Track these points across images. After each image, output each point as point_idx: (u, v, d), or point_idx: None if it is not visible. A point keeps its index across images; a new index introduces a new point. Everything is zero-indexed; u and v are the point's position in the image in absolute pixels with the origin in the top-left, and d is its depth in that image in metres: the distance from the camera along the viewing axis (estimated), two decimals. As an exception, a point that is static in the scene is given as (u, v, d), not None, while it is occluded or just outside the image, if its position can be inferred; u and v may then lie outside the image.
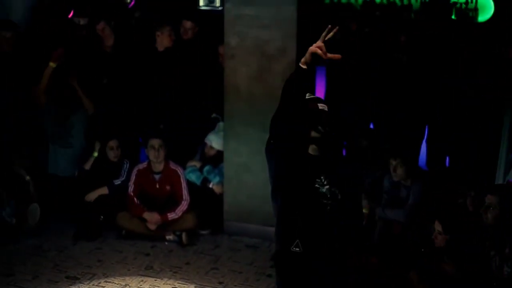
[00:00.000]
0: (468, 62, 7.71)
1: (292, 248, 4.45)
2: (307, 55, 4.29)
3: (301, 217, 4.42)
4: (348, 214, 4.43)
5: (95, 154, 7.97)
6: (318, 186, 4.37)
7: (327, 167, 4.40)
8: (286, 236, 4.48)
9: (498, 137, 6.87)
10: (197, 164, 7.95)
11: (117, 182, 7.90)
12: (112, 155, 7.92)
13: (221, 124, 7.89)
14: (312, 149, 4.38)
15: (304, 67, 4.31)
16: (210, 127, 7.99)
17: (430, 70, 7.85)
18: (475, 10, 11.31)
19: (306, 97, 4.39)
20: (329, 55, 4.26)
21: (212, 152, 7.89)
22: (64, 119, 8.06)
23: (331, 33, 4.26)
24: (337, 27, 4.27)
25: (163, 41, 8.15)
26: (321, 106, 4.36)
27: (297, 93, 4.39)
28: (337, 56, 4.35)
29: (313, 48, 4.25)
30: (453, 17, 10.80)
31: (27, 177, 7.86)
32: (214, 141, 7.87)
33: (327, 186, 4.36)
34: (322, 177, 4.37)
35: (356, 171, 4.65)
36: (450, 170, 8.01)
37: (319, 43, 4.26)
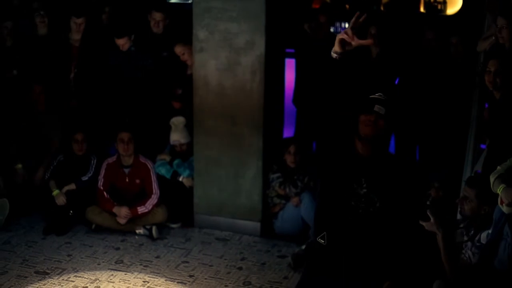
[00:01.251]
0: (436, 54, 7.75)
1: (318, 239, 4.46)
2: (335, 43, 4.26)
3: (332, 212, 4.43)
4: (389, 228, 4.40)
5: (19, 166, 7.93)
6: (356, 186, 4.36)
7: (373, 171, 4.35)
8: (317, 226, 4.51)
9: (466, 128, 6.92)
10: (167, 158, 7.94)
11: (85, 178, 7.86)
12: (76, 147, 7.87)
13: (173, 120, 7.87)
14: (360, 148, 4.35)
15: (335, 55, 4.28)
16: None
17: (398, 61, 7.88)
18: (444, 3, 11.38)
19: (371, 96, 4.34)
20: (358, 40, 4.19)
21: (184, 148, 7.88)
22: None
23: (361, 19, 4.23)
24: (366, 14, 4.22)
25: (123, 47, 8.12)
26: (377, 108, 4.28)
27: (334, 83, 4.36)
28: (369, 41, 4.36)
29: (339, 35, 4.20)
30: (421, 10, 10.89)
31: None
32: (182, 137, 7.87)
33: (365, 190, 4.35)
34: (363, 179, 4.36)
35: (414, 185, 4.54)
36: (419, 161, 8.05)
37: (347, 29, 4.20)
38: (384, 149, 4.44)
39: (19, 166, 8.01)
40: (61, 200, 7.72)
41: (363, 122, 4.30)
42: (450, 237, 5.11)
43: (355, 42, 4.20)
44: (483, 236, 5.02)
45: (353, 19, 4.20)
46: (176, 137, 7.88)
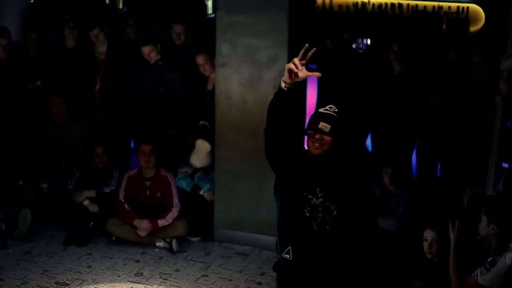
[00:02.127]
0: (458, 72, 7.74)
1: (283, 254, 4.46)
2: (285, 72, 4.28)
3: (292, 224, 4.43)
4: (351, 236, 4.40)
5: (44, 185, 8.02)
6: (310, 197, 4.36)
7: (327, 180, 4.37)
8: (280, 242, 4.51)
9: (489, 147, 6.89)
10: (189, 170, 7.95)
11: (107, 190, 7.89)
12: (97, 161, 7.92)
13: (198, 142, 7.87)
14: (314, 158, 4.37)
15: (283, 85, 4.30)
16: (199, 134, 7.98)
17: (421, 79, 7.87)
18: (466, 19, 11.35)
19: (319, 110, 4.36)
20: (306, 72, 4.22)
21: (199, 168, 7.91)
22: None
23: (309, 54, 4.25)
24: (315, 49, 4.24)
25: (149, 56, 8.16)
26: (321, 125, 4.29)
27: (281, 113, 4.38)
28: (316, 74, 4.35)
29: (287, 65, 4.23)
30: (443, 27, 10.86)
31: (20, 183, 7.90)
32: (197, 163, 7.90)
33: (321, 199, 4.35)
34: (317, 189, 4.36)
35: (367, 191, 4.54)
36: (441, 179, 8.02)
37: (294, 59, 4.23)
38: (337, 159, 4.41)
39: (44, 185, 8.07)
40: (94, 208, 7.77)
41: (309, 137, 4.35)
42: (462, 245, 5.09)
43: (303, 73, 4.22)
44: (508, 257, 4.97)
45: (302, 51, 4.21)
46: (194, 160, 7.91)
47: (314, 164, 4.38)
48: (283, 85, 4.33)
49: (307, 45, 4.22)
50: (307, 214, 4.36)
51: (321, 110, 4.39)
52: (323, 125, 4.29)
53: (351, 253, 4.42)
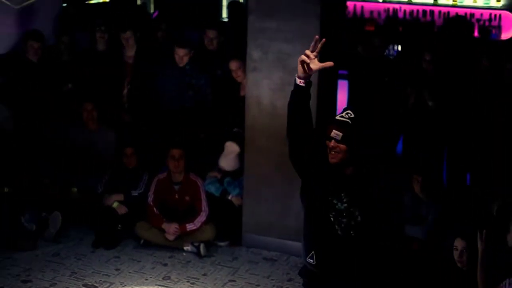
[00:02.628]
0: (490, 79, 7.69)
1: (307, 259, 4.45)
2: (298, 66, 4.28)
3: (316, 229, 4.42)
4: (375, 242, 4.39)
5: (74, 189, 8.03)
6: (335, 202, 4.34)
7: (351, 185, 4.35)
8: (304, 246, 4.50)
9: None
10: (218, 175, 7.95)
11: (134, 193, 7.91)
12: (126, 161, 7.96)
13: (227, 144, 7.86)
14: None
15: (298, 80, 4.30)
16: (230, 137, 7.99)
17: (452, 87, 7.82)
18: (498, 27, 11.28)
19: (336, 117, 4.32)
20: (319, 63, 4.23)
21: (227, 172, 7.90)
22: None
23: (319, 45, 4.24)
24: (324, 40, 4.23)
25: (181, 60, 8.18)
26: (333, 133, 4.27)
27: (299, 111, 4.37)
28: (329, 63, 4.31)
29: (299, 58, 4.24)
30: (476, 34, 10.79)
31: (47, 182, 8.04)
32: (226, 165, 7.87)
33: (345, 204, 4.33)
34: (342, 194, 4.34)
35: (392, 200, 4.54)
36: (470, 188, 7.96)
37: (306, 51, 4.23)
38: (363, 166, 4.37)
39: (74, 189, 8.12)
40: (122, 210, 7.81)
41: (327, 146, 4.31)
42: (490, 255, 5.05)
43: (315, 65, 4.22)
44: None
45: (313, 43, 4.19)
46: (223, 163, 7.90)
47: (337, 169, 4.36)
48: (298, 81, 4.32)
49: (317, 36, 4.21)
50: (332, 219, 4.35)
51: (337, 116, 4.35)
52: (335, 133, 4.26)
53: (374, 259, 4.41)
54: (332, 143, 4.27)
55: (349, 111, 4.32)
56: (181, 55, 8.14)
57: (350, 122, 4.28)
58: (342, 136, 4.24)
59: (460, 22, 10.02)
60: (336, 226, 4.34)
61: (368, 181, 4.36)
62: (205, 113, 8.19)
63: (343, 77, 8.65)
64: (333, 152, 4.28)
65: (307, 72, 4.26)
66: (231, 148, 7.86)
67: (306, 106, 4.37)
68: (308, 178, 4.47)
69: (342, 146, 4.25)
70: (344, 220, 4.34)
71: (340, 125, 4.27)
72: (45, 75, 8.43)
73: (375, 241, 4.39)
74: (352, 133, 4.25)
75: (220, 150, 7.93)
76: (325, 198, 4.37)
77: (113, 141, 8.31)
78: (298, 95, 4.36)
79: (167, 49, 8.37)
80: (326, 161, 4.36)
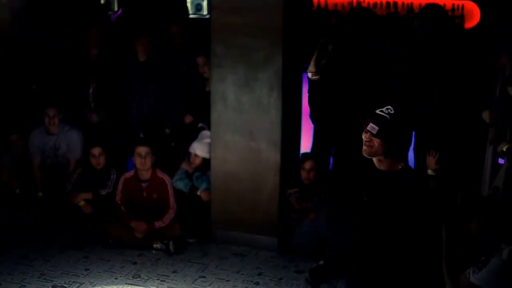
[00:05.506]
0: (454, 68, 7.73)
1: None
2: (311, 63, 4.32)
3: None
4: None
5: (82, 203, 7.93)
6: (361, 193, 4.37)
7: (379, 181, 4.32)
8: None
9: (484, 144, 6.89)
10: (189, 169, 7.92)
11: (103, 192, 7.89)
12: (94, 162, 7.92)
13: (203, 132, 7.88)
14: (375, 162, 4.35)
15: (312, 75, 4.34)
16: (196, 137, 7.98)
17: (417, 76, 7.86)
18: (462, 17, 11.35)
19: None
20: None
21: (197, 161, 7.86)
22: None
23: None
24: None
25: (142, 51, 8.16)
26: (370, 127, 4.23)
27: (320, 98, 4.40)
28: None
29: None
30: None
31: (17, 190, 8.06)
32: (198, 149, 7.83)
33: (365, 198, 4.33)
34: (367, 188, 4.35)
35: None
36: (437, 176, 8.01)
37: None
38: (404, 165, 4.35)
39: (40, 194, 8.10)
40: (88, 209, 7.79)
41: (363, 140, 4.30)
42: (453, 244, 5.09)
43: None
44: (498, 259, 4.97)
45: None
46: (198, 149, 7.85)
47: (369, 163, 4.35)
48: (312, 76, 4.34)
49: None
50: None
51: (377, 110, 4.29)
52: (371, 126, 4.21)
53: (382, 257, 4.43)
54: (367, 136, 4.25)
55: (390, 107, 4.29)
56: (142, 44, 8.13)
57: (389, 118, 4.22)
58: (378, 130, 4.21)
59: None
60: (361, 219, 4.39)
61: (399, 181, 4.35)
62: (169, 108, 8.16)
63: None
64: (366, 144, 4.26)
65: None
66: (206, 134, 7.85)
67: (325, 96, 4.38)
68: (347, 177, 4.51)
69: (377, 140, 4.22)
70: (364, 213, 4.36)
71: (377, 119, 4.23)
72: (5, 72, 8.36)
73: (384, 240, 4.38)
74: (388, 128, 4.21)
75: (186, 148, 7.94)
76: (354, 188, 4.40)
77: (78, 140, 8.23)
78: (317, 89, 4.36)
79: (129, 44, 8.32)
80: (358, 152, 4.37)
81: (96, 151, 7.92)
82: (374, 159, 4.29)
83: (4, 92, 8.28)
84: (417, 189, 4.22)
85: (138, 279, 6.96)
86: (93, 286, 6.81)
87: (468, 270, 4.82)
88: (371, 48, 7.52)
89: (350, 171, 4.42)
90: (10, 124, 8.30)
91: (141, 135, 8.22)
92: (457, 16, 11.36)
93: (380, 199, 4.28)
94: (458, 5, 11.27)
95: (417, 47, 8.12)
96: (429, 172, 7.01)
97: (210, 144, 7.74)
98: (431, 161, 7.02)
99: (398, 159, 4.27)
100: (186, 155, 8.03)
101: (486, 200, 5.47)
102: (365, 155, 4.28)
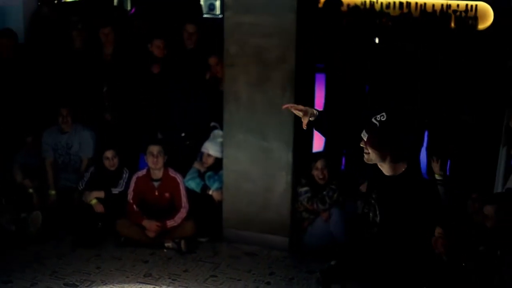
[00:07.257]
0: (468, 69, 7.72)
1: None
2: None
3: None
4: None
5: (94, 201, 7.89)
6: (371, 196, 4.42)
7: (385, 185, 4.36)
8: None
9: (497, 145, 6.87)
10: (201, 168, 7.92)
11: (115, 191, 7.89)
12: (107, 164, 7.93)
13: (215, 131, 7.88)
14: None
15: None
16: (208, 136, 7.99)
17: (430, 77, 7.85)
18: (475, 18, 11.33)
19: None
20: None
21: (210, 161, 7.86)
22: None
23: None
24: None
25: (156, 53, 8.17)
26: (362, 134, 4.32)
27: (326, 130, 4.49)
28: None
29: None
30: (452, 25, 10.82)
31: (30, 190, 8.01)
32: (211, 149, 7.84)
33: (373, 201, 4.39)
34: (375, 191, 4.42)
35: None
36: (450, 177, 7.99)
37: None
38: (412, 171, 4.34)
39: (53, 193, 8.12)
40: (99, 208, 7.79)
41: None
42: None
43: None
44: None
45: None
46: (210, 148, 7.85)
47: (375, 168, 4.41)
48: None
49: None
50: (366, 210, 4.49)
51: (372, 118, 4.32)
52: (364, 134, 4.30)
53: (392, 260, 4.44)
54: (363, 143, 4.32)
55: (383, 114, 4.29)
56: (159, 46, 8.14)
57: (378, 125, 4.24)
58: (367, 138, 4.27)
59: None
60: (369, 220, 4.47)
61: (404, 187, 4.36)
62: (183, 109, 8.17)
63: (320, 70, 8.67)
64: (364, 152, 4.34)
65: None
66: (218, 134, 7.85)
67: (329, 126, 4.63)
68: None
69: (370, 147, 4.29)
70: (371, 215, 4.42)
71: (368, 127, 4.28)
72: (19, 74, 8.36)
73: (394, 243, 4.38)
74: (377, 136, 4.24)
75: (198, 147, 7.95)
76: (367, 191, 4.53)
77: (90, 139, 8.25)
78: (316, 127, 4.58)
79: (144, 45, 8.32)
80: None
81: (110, 154, 7.93)
82: (377, 164, 4.33)
83: (19, 93, 8.28)
84: (415, 194, 4.24)
85: (149, 277, 6.97)
86: (104, 284, 6.82)
87: None
88: (373, 48, 7.58)
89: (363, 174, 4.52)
90: (24, 126, 8.31)
91: (159, 135, 8.22)
92: (470, 17, 11.33)
93: (384, 203, 4.36)
94: (471, 6, 11.24)
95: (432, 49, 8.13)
96: (436, 176, 7.04)
97: (222, 144, 7.74)
98: (435, 167, 7.06)
99: (399, 163, 4.28)
100: (199, 154, 8.04)
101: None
102: (366, 162, 4.36)
